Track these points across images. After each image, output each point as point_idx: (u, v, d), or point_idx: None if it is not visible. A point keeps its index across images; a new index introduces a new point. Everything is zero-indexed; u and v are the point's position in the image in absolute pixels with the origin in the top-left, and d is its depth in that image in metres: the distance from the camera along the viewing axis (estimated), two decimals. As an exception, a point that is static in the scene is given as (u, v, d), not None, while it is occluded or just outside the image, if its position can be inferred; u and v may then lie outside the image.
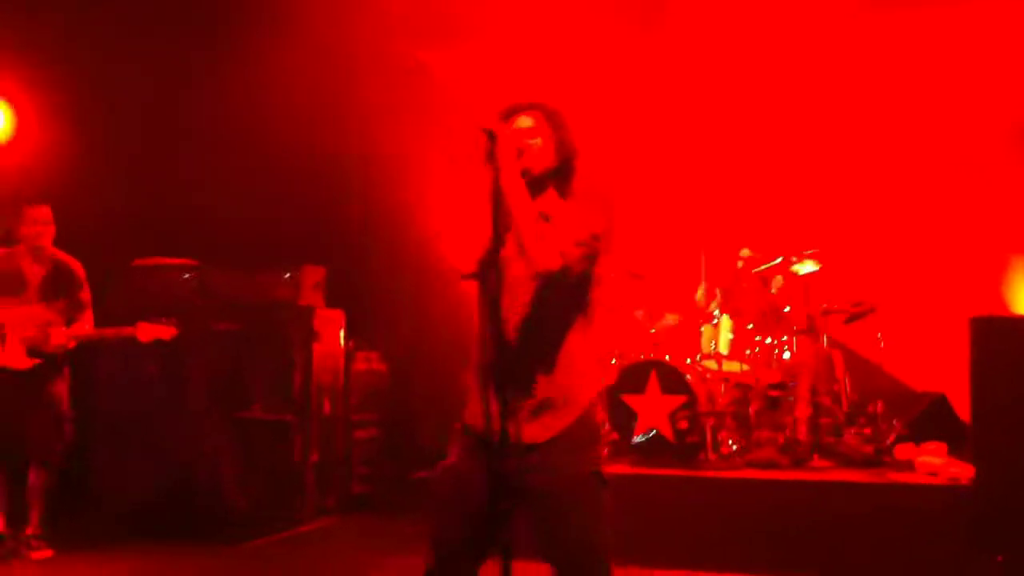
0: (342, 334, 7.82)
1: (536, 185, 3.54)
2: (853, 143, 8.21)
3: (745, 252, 7.19)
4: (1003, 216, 7.72)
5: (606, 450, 6.51)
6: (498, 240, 3.35)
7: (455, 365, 8.17)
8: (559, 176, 3.63)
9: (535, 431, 3.41)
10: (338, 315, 7.79)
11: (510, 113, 3.63)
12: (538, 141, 3.57)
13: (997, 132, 7.85)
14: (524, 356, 3.43)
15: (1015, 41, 7.78)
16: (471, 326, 3.65)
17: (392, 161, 8.32)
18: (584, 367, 3.53)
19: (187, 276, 7.46)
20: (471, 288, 3.62)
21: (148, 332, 6.18)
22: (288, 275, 7.59)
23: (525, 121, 3.60)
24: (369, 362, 8.11)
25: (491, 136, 3.40)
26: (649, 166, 8.69)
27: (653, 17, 8.66)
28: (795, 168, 8.24)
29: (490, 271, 3.41)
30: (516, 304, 3.46)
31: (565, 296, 3.49)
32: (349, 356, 7.87)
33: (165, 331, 6.22)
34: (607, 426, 6.58)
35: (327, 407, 7.65)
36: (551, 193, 3.61)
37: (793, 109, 8.27)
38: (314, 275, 7.68)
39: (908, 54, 8.06)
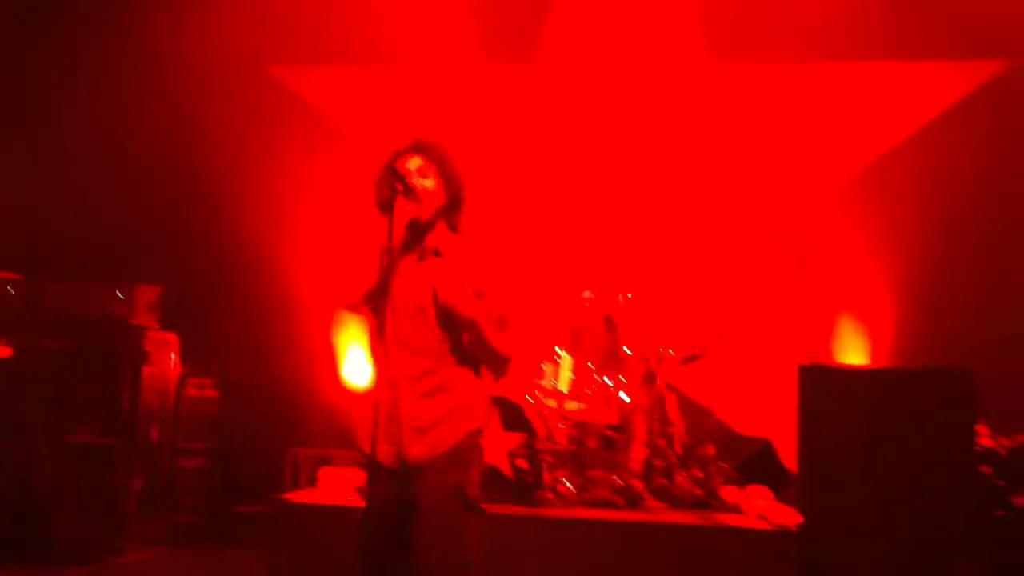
0: (174, 357, 7.57)
1: (427, 222, 3.77)
2: (698, 191, 8.48)
3: (587, 294, 7.32)
4: (832, 275, 8.09)
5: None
6: (387, 274, 3.62)
7: (288, 397, 8.14)
8: (449, 211, 3.82)
9: (419, 452, 3.64)
10: (171, 338, 7.55)
11: (397, 156, 3.80)
12: (429, 182, 3.76)
13: (835, 191, 8.27)
14: (414, 384, 3.67)
15: (850, 102, 8.21)
16: (305, 357, 3.82)
17: (239, 182, 8.15)
18: (470, 396, 3.76)
19: (12, 290, 7.11)
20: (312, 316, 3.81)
21: None
22: (121, 293, 7.31)
23: (414, 161, 3.78)
24: (201, 389, 7.88)
25: (399, 178, 3.66)
26: (504, 199, 8.76)
27: (522, 50, 8.75)
28: (643, 211, 8.44)
29: (380, 305, 3.67)
30: (403, 338, 3.69)
31: (454, 335, 3.70)
32: (181, 381, 7.62)
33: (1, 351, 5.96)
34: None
35: (154, 433, 7.39)
36: (441, 227, 3.81)
37: (645, 155, 8.50)
38: (148, 294, 7.43)
39: (755, 107, 8.40)
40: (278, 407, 8.11)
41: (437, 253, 3.76)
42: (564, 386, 7.03)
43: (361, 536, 3.69)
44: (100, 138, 8.27)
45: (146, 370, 7.29)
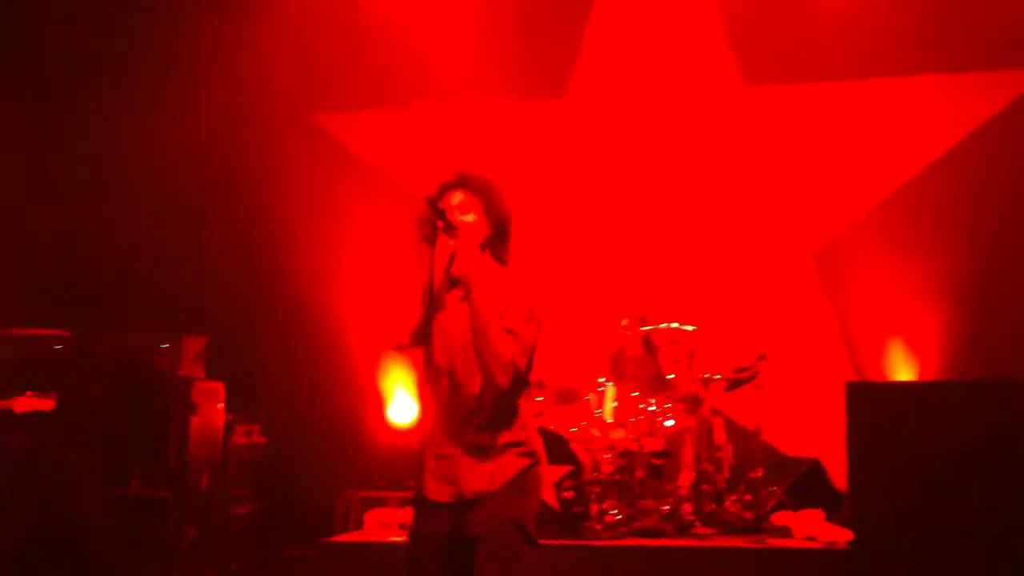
0: (221, 406, 7.63)
1: (481, 285, 3.67)
2: (738, 214, 8.46)
3: (624, 322, 7.30)
4: (878, 292, 8.00)
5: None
6: (434, 310, 3.62)
7: (336, 440, 8.18)
8: (495, 243, 3.78)
9: (479, 485, 3.59)
10: (218, 387, 7.61)
11: (441, 192, 3.76)
12: (471, 216, 3.72)
13: (876, 207, 8.20)
14: (469, 416, 3.62)
15: (887, 118, 8.14)
16: (352, 399, 3.79)
17: (281, 230, 8.27)
18: (522, 426, 3.71)
19: (60, 346, 7.21)
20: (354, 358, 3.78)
21: (25, 404, 5.98)
22: (167, 345, 7.40)
23: (456, 197, 3.74)
24: (249, 436, 7.92)
25: (439, 214, 3.60)
26: (544, 231, 8.80)
27: (555, 86, 8.83)
28: (684, 238, 8.44)
29: (432, 340, 3.66)
30: (453, 374, 3.65)
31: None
32: (228, 429, 7.68)
33: (43, 403, 6.03)
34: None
35: (204, 482, 7.43)
36: (487, 258, 3.76)
37: (682, 182, 8.50)
38: (194, 345, 7.51)
39: (791, 128, 8.40)
40: (326, 450, 8.15)
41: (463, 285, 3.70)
42: (608, 415, 6.99)
43: (423, 565, 3.63)
44: (147, 188, 8.43)
45: (194, 420, 7.33)
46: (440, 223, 3.61)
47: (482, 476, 3.58)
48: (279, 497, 7.97)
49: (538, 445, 3.76)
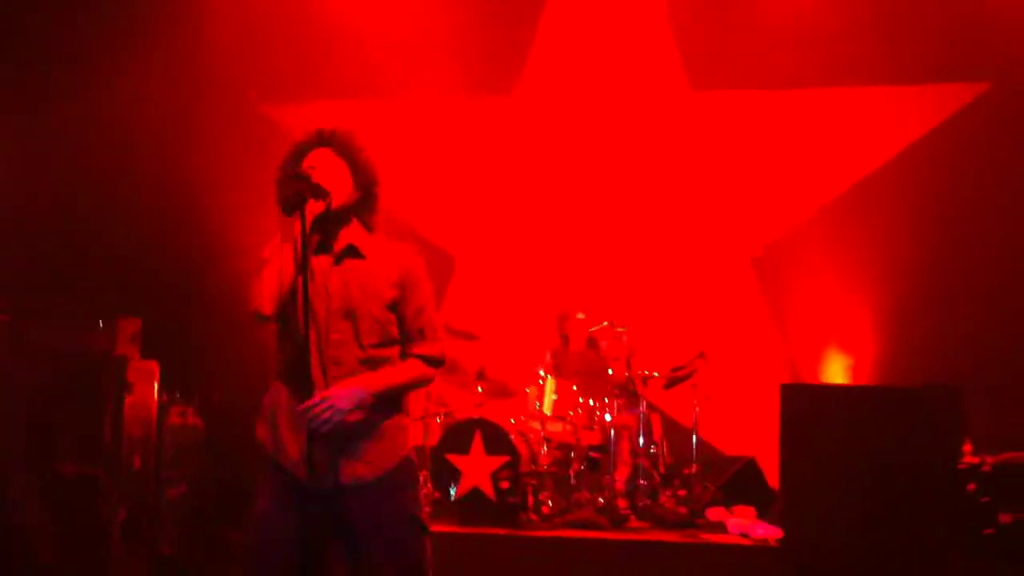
0: (156, 386, 7.54)
1: (338, 219, 3.50)
2: (680, 215, 8.56)
3: (580, 315, 7.35)
4: (815, 296, 8.13)
5: (427, 508, 6.49)
6: (304, 282, 3.29)
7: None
8: (361, 208, 3.57)
9: (357, 470, 3.40)
10: (152, 366, 7.50)
11: (301, 151, 3.55)
12: (338, 174, 3.49)
13: (817, 214, 8.32)
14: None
15: (830, 127, 8.27)
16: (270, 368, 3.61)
17: (214, 211, 8.20)
18: (400, 415, 3.57)
19: (-8, 325, 7.09)
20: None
21: None
22: (102, 325, 7.28)
23: (320, 156, 3.52)
24: (184, 416, 7.82)
25: (301, 179, 3.36)
26: (489, 226, 8.82)
27: (504, 82, 8.88)
28: (626, 236, 8.51)
29: (294, 314, 3.36)
30: (334, 346, 3.42)
31: (379, 337, 3.50)
32: (163, 409, 7.58)
33: None
34: (430, 485, 6.57)
35: (137, 462, 7.33)
36: (355, 226, 3.56)
37: (627, 182, 8.58)
38: (130, 326, 7.39)
39: (734, 133, 8.53)
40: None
41: (357, 252, 3.52)
42: (547, 408, 7.03)
43: (260, 560, 3.41)
44: (80, 170, 8.31)
45: (128, 400, 7.22)
46: (304, 187, 3.33)
47: (363, 462, 3.41)
48: (214, 478, 7.88)
49: (411, 425, 3.63)
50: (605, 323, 7.21)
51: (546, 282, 8.38)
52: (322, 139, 3.55)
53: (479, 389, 7.14)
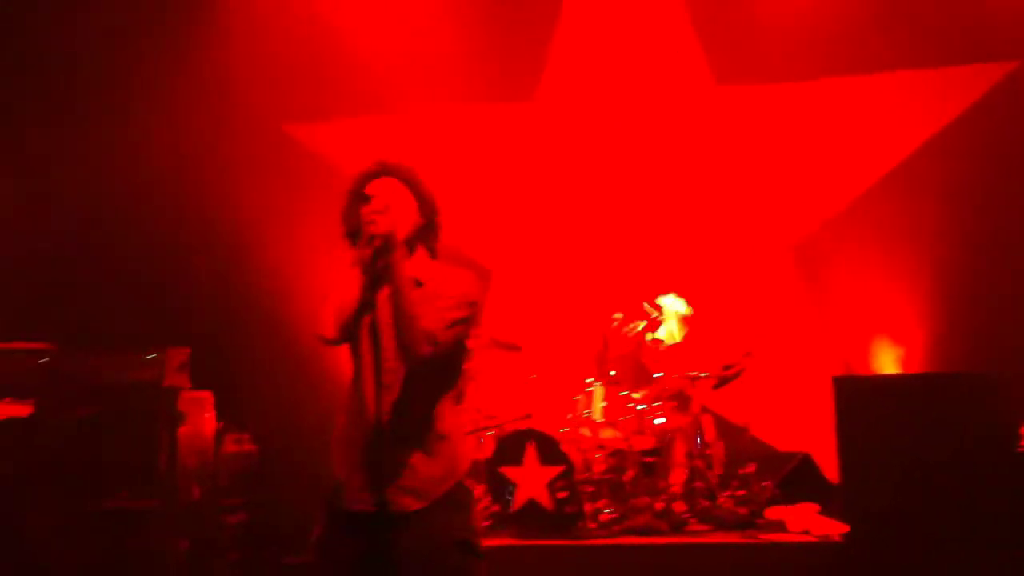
0: (211, 415, 7.59)
1: (403, 249, 3.50)
2: (720, 213, 8.52)
3: (618, 315, 7.32)
4: (862, 287, 8.07)
5: (487, 522, 6.51)
6: (369, 307, 3.34)
7: (325, 444, 8.14)
8: (424, 236, 3.61)
9: (407, 501, 3.39)
10: (206, 396, 7.56)
11: (367, 178, 3.59)
12: (397, 205, 3.51)
13: (858, 203, 8.26)
14: (396, 426, 3.41)
15: (863, 114, 8.22)
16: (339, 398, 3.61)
17: (260, 238, 8.26)
18: (455, 437, 3.53)
19: (45, 359, 7.16)
20: (342, 362, 3.59)
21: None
22: (151, 356, 7.34)
23: (384, 185, 3.56)
24: (239, 444, 7.88)
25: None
26: (520, 235, 8.81)
27: (525, 87, 8.86)
28: (662, 237, 8.48)
29: (360, 339, 3.42)
30: (389, 373, 3.43)
31: (435, 369, 3.49)
32: (218, 438, 7.63)
33: (20, 409, 5.96)
34: (487, 498, 6.58)
35: (195, 492, 7.38)
36: (420, 254, 3.60)
37: (657, 181, 8.55)
38: (179, 356, 7.44)
39: (768, 126, 8.46)
40: (316, 453, 8.11)
41: (418, 283, 3.51)
42: (598, 415, 7.03)
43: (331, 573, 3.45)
44: (122, 203, 8.39)
45: (182, 430, 7.27)
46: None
47: (415, 489, 3.40)
48: (272, 504, 7.92)
49: (471, 450, 3.60)
50: (644, 322, 7.20)
51: (585, 286, 8.36)
52: (384, 169, 3.60)
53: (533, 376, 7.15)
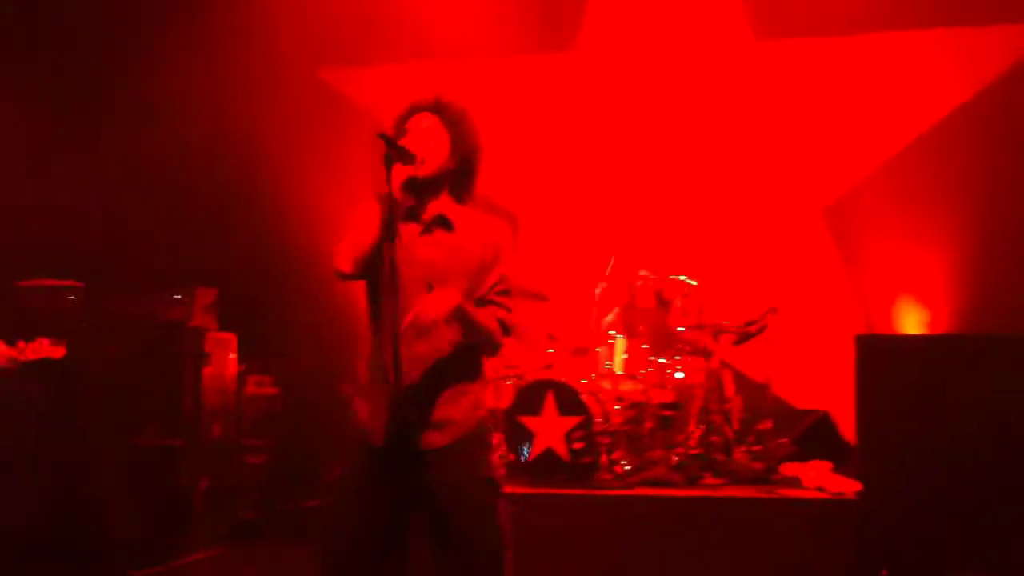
0: (233, 356, 7.68)
1: (430, 187, 3.51)
2: (748, 169, 8.44)
3: (643, 272, 7.28)
4: (888, 247, 7.99)
5: (502, 471, 6.54)
6: (390, 243, 3.30)
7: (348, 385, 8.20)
8: (457, 178, 3.57)
9: (433, 437, 3.42)
10: (230, 337, 7.65)
11: (409, 113, 3.57)
12: (435, 144, 3.50)
13: (888, 163, 8.16)
14: (421, 364, 3.42)
15: (898, 73, 8.11)
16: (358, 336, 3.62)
17: (288, 183, 8.29)
18: (478, 378, 3.58)
19: (73, 297, 7.25)
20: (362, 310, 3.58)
21: (34, 351, 6.01)
22: (179, 296, 7.42)
23: (424, 121, 3.53)
24: (261, 386, 7.97)
25: (387, 141, 3.35)
26: (554, 186, 8.79)
27: (564, 38, 8.81)
28: (693, 191, 8.43)
29: (379, 274, 3.38)
30: (411, 305, 3.37)
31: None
32: (241, 379, 7.72)
33: (54, 351, 6.05)
34: (504, 447, 6.61)
35: (217, 431, 7.47)
36: (447, 197, 3.57)
37: (693, 136, 8.48)
38: (206, 296, 7.53)
39: (801, 82, 8.36)
40: (338, 399, 8.17)
41: (446, 223, 3.53)
42: (618, 367, 7.03)
43: (340, 525, 3.46)
44: (154, 144, 8.42)
45: (207, 370, 7.36)
46: (393, 151, 3.34)
47: (440, 427, 3.42)
48: (293, 447, 8.01)
49: (489, 393, 3.63)
50: (672, 278, 7.17)
51: (613, 239, 8.33)
52: (430, 105, 3.56)
53: (550, 351, 7.14)
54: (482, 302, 3.53)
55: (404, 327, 3.28)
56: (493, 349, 3.58)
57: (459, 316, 3.35)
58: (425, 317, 3.28)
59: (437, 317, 3.29)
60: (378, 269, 3.38)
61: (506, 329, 3.59)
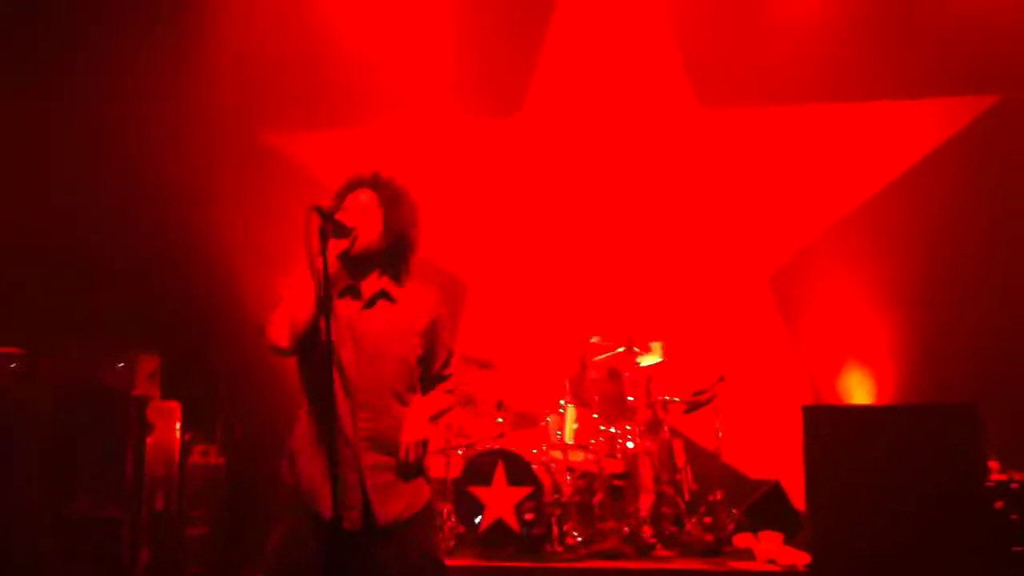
0: (178, 426, 7.53)
1: (366, 263, 3.51)
2: (694, 236, 8.51)
3: (595, 339, 7.28)
4: (833, 316, 8.07)
5: (452, 542, 6.47)
6: (326, 318, 3.26)
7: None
8: (390, 257, 3.56)
9: (392, 511, 3.39)
10: (174, 406, 7.50)
11: (348, 188, 3.57)
12: (369, 219, 3.50)
13: (831, 232, 8.27)
14: (373, 435, 3.41)
15: (841, 142, 8.26)
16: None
17: (235, 249, 8.21)
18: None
19: (14, 365, 7.09)
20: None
21: None
22: (121, 364, 7.27)
23: (361, 196, 3.53)
24: (206, 456, 7.81)
25: (321, 214, 3.33)
26: (501, 251, 8.79)
27: (511, 103, 8.86)
28: (641, 258, 8.46)
29: (314, 349, 3.35)
30: (356, 391, 3.41)
31: (407, 383, 3.53)
32: (184, 449, 7.56)
33: None
34: (454, 518, 6.54)
35: (160, 503, 7.31)
36: (382, 274, 3.56)
37: (638, 202, 8.54)
38: (149, 364, 7.38)
39: (745, 150, 8.49)
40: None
41: (388, 297, 3.53)
42: (569, 437, 7.00)
43: None
44: (92, 207, 8.33)
45: (150, 440, 7.20)
46: (328, 224, 3.33)
47: (396, 502, 3.40)
48: (237, 518, 7.85)
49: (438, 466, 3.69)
50: (621, 348, 7.18)
51: (562, 307, 8.34)
52: (368, 181, 3.58)
53: (499, 420, 7.11)
54: (434, 378, 3.62)
55: (401, 452, 3.45)
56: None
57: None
58: (409, 452, 3.44)
59: (424, 438, 3.48)
60: (314, 344, 3.34)
61: (453, 394, 3.71)
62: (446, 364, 3.67)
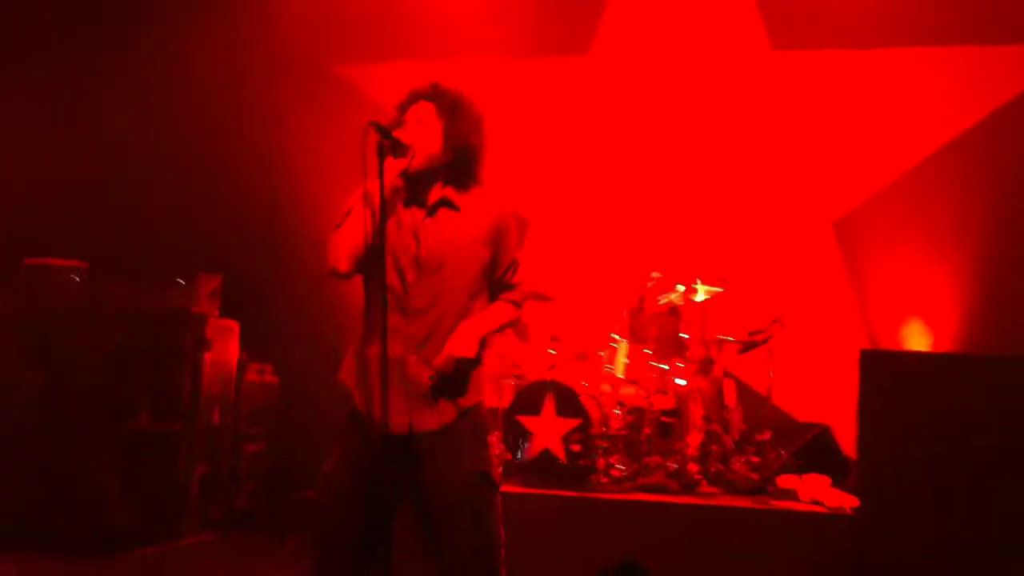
0: (235, 344, 7.65)
1: (428, 177, 3.49)
2: (761, 180, 8.39)
3: (656, 274, 7.23)
4: (897, 262, 7.93)
5: (498, 469, 6.52)
6: (382, 236, 3.27)
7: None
8: (453, 170, 3.53)
9: (426, 419, 3.41)
10: (232, 325, 7.62)
11: (409, 101, 3.55)
12: (428, 134, 3.47)
13: (900, 179, 8.10)
14: (421, 346, 3.43)
15: (913, 89, 8.06)
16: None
17: (296, 170, 8.27)
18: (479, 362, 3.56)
19: (76, 278, 7.24)
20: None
21: None
22: (182, 282, 7.39)
23: (421, 111, 3.51)
24: (261, 374, 7.94)
25: (380, 131, 3.32)
26: (563, 188, 8.76)
27: (579, 42, 8.77)
28: (703, 199, 8.38)
29: (375, 266, 3.35)
30: (417, 299, 3.43)
31: (465, 297, 3.51)
32: (241, 367, 7.69)
33: None
34: (501, 446, 6.59)
35: (216, 418, 7.45)
36: (446, 184, 3.54)
37: (705, 143, 8.44)
38: (210, 283, 7.50)
39: (815, 95, 8.32)
40: (337, 390, 8.12)
41: (451, 204, 3.51)
42: (619, 371, 7.00)
43: (328, 517, 3.46)
44: (163, 131, 8.44)
45: (207, 356, 7.34)
46: (386, 142, 3.32)
47: (435, 411, 3.42)
48: (289, 437, 7.98)
49: (484, 386, 3.59)
50: (682, 288, 7.12)
51: (622, 244, 8.30)
52: (427, 92, 3.55)
53: (551, 351, 7.12)
54: (497, 285, 3.60)
55: (439, 363, 3.40)
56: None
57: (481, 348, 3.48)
58: (448, 365, 3.40)
59: (467, 356, 3.40)
60: (374, 263, 3.35)
61: (520, 305, 3.67)
62: (509, 271, 3.61)
